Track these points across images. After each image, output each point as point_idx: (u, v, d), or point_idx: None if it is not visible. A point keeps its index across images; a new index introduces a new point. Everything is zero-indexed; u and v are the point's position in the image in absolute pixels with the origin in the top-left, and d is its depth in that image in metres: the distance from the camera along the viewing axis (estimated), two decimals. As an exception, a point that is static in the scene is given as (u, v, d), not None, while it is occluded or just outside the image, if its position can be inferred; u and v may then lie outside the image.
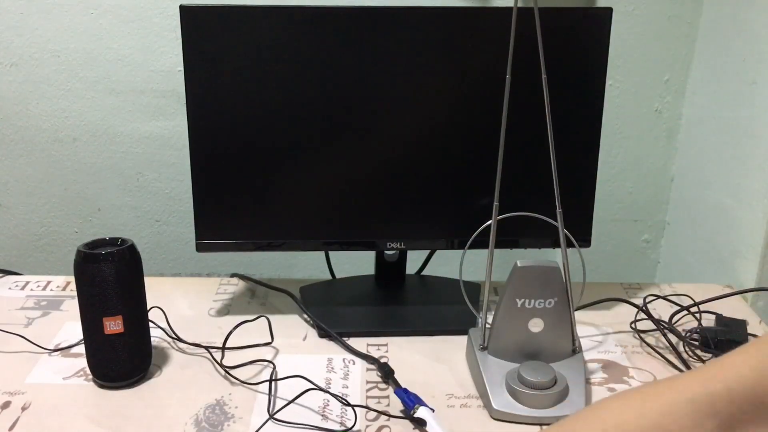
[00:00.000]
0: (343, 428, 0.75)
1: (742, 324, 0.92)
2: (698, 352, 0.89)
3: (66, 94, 1.18)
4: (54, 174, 1.23)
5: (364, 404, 0.79)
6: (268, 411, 0.77)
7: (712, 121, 1.16)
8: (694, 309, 0.97)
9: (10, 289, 1.05)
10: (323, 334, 0.94)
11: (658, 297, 1.02)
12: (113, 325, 0.78)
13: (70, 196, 1.25)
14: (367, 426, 0.76)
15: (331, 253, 1.09)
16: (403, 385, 0.79)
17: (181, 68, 0.97)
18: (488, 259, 0.83)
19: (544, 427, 0.75)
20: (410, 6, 0.90)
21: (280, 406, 0.77)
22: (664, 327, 0.92)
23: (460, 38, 0.90)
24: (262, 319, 0.93)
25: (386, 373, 0.83)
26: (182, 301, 1.02)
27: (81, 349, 0.87)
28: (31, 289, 1.05)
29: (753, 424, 0.41)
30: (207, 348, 0.89)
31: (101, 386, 0.81)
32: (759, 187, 1.03)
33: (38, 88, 1.18)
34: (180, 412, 0.77)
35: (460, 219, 0.96)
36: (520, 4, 0.80)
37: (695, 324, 0.94)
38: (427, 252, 1.08)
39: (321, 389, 0.81)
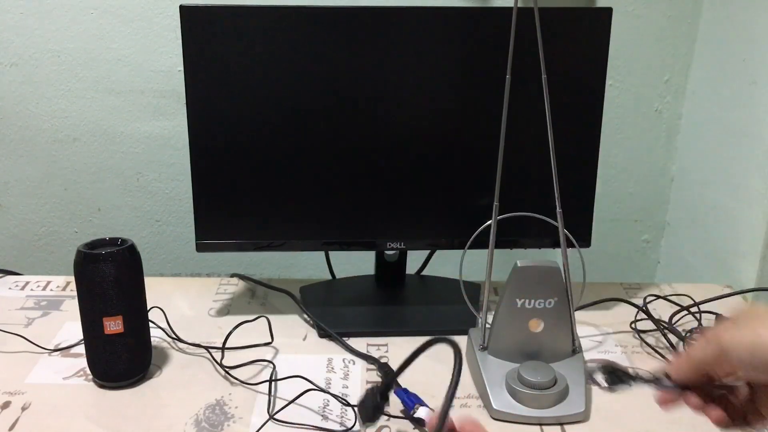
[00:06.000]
0: (343, 428, 0.75)
1: (742, 324, 0.92)
2: (698, 352, 0.89)
3: (66, 94, 1.18)
4: (54, 174, 1.23)
5: (364, 404, 0.79)
6: (268, 411, 0.77)
7: (712, 121, 1.16)
8: (694, 309, 0.96)
9: (10, 289, 1.05)
10: (323, 334, 0.94)
11: (658, 297, 1.02)
12: (113, 325, 0.78)
13: (70, 196, 1.25)
14: (367, 426, 0.76)
15: (331, 253, 1.09)
16: (403, 385, 0.79)
17: (181, 68, 0.97)
18: (488, 259, 0.83)
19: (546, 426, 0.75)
20: (410, 6, 0.89)
21: (280, 407, 0.77)
22: (664, 327, 0.92)
23: (460, 38, 0.90)
24: (262, 319, 0.93)
25: (386, 373, 0.83)
26: (182, 301, 1.02)
27: (81, 349, 0.87)
28: (31, 289, 1.05)
29: None
30: (207, 348, 0.88)
31: (101, 386, 0.81)
32: (759, 187, 1.03)
33: (38, 88, 1.18)
34: (180, 412, 0.77)
35: (460, 219, 0.96)
36: (520, 4, 0.80)
37: (695, 324, 0.94)
38: (427, 252, 1.08)
39: (321, 389, 0.80)
